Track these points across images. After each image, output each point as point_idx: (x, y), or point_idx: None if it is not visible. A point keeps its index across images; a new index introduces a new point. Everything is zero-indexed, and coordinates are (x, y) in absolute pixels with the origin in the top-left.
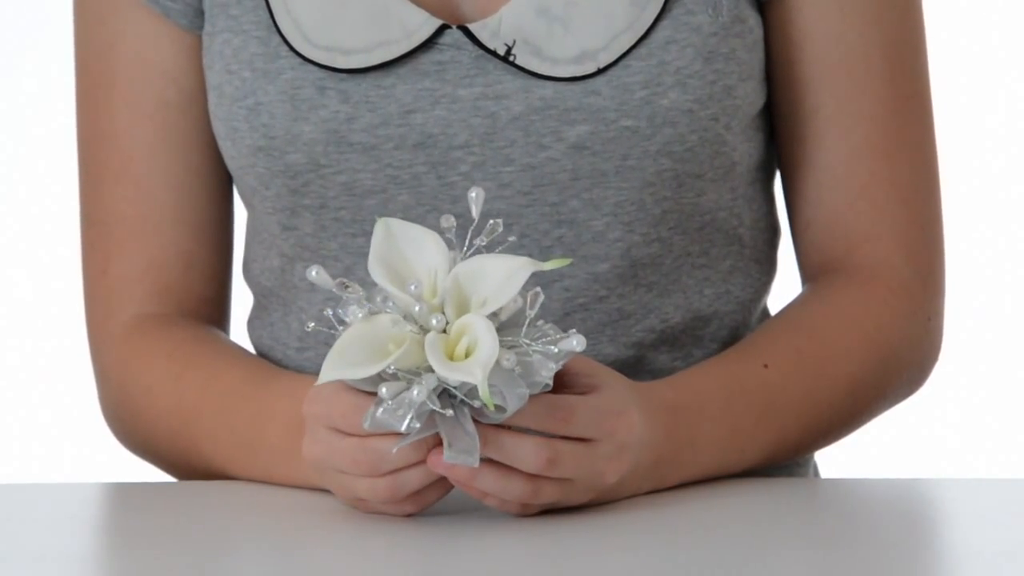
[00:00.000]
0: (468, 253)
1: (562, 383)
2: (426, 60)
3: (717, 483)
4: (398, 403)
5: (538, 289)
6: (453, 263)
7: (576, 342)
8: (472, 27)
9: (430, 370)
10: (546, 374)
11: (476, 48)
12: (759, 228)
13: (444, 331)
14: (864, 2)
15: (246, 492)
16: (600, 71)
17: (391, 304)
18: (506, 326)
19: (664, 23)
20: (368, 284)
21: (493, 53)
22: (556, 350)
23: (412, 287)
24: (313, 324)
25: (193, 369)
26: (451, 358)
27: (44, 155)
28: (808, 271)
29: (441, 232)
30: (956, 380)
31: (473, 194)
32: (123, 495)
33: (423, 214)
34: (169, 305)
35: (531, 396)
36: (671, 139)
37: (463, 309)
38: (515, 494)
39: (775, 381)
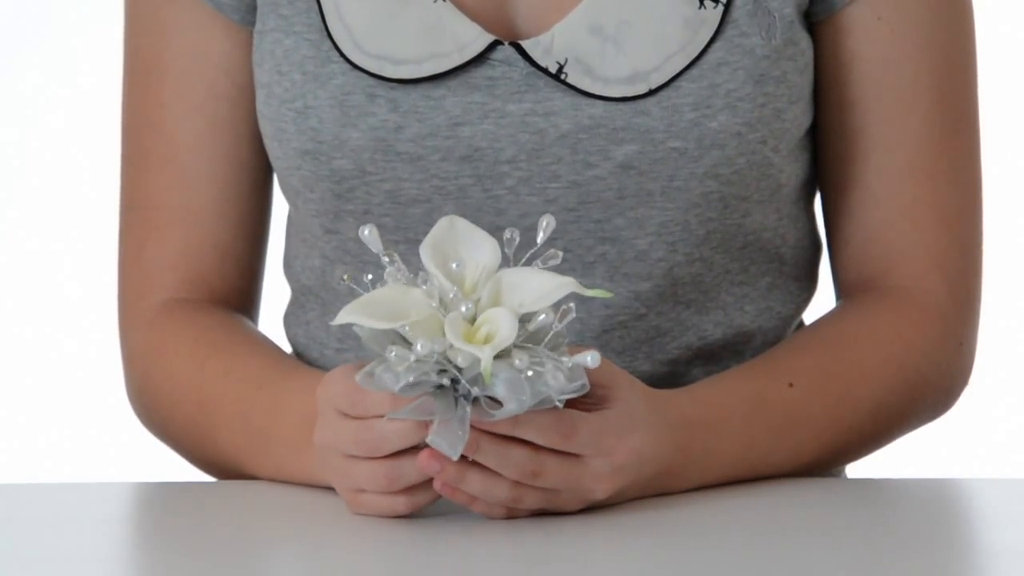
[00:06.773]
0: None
1: None
2: (477, 74)
3: (741, 483)
4: (400, 360)
5: (571, 305)
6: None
7: (591, 358)
8: (525, 44)
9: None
10: (554, 384)
11: (528, 65)
12: (802, 246)
13: (471, 321)
14: (915, 25)
15: (274, 493)
16: (651, 92)
17: (431, 283)
18: (532, 339)
19: (717, 44)
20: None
21: (544, 71)
22: (569, 362)
23: (454, 266)
24: (348, 276)
25: (215, 357)
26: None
27: (50, 152)
28: (844, 288)
29: (501, 243)
30: (988, 379)
31: (544, 222)
32: (151, 495)
33: None
34: (200, 293)
35: (537, 409)
36: (718, 161)
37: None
38: (499, 498)
39: (797, 399)
